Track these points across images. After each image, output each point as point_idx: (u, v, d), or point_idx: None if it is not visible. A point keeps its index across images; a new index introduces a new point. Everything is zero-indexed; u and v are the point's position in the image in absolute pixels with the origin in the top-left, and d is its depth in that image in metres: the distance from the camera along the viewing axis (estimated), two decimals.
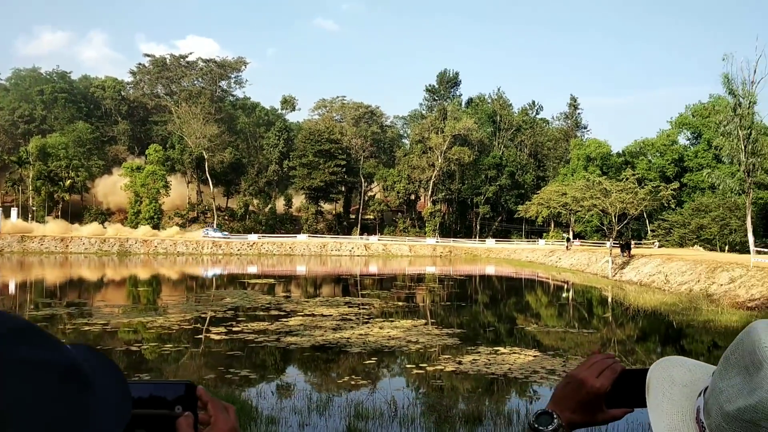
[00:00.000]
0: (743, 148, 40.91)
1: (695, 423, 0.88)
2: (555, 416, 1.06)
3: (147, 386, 0.92)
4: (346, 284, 34.30)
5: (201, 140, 79.81)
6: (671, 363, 1.02)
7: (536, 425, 1.05)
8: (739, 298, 24.18)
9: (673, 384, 0.97)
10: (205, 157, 79.88)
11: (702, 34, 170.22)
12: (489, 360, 12.98)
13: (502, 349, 14.32)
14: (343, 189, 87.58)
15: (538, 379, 11.52)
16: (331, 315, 19.49)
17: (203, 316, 19.69)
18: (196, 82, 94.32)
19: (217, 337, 15.45)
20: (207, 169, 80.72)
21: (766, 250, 34.07)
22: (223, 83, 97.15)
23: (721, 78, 37.61)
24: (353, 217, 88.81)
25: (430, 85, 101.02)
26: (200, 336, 15.93)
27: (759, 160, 42.25)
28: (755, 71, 36.35)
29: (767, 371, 0.79)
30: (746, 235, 37.18)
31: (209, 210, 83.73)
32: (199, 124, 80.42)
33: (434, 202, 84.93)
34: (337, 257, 60.21)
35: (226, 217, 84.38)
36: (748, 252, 32.20)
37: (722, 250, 49.53)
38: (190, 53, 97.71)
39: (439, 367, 12.19)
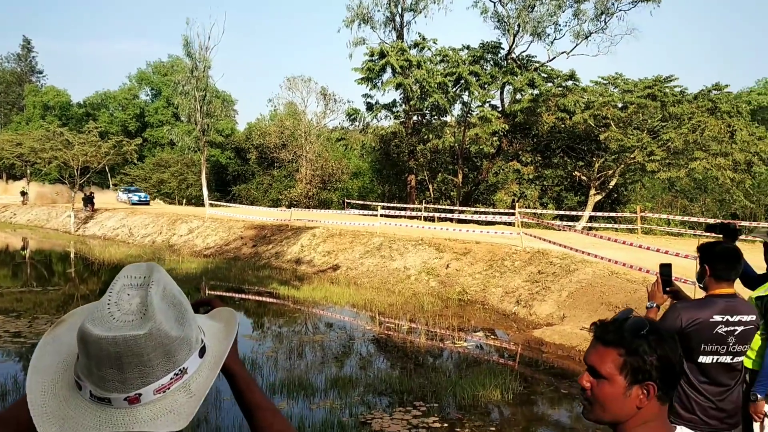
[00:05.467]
0: (199, 108, 44.27)
1: None
2: None
3: None
4: None
5: None
6: None
7: None
8: (197, 247, 26.55)
9: None
10: None
11: None
12: None
13: None
14: None
15: (1, 343, 10.69)
16: None
17: None
18: None
19: None
20: None
21: (218, 203, 37.93)
22: None
23: (181, 40, 39.63)
24: None
25: None
26: None
27: (212, 120, 46.37)
28: (209, 38, 39.46)
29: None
30: (201, 190, 40.62)
31: None
32: None
33: None
34: None
35: None
36: (204, 205, 35.29)
37: (180, 203, 52.98)
38: None
39: None
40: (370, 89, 36.41)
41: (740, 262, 3.54)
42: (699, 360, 3.43)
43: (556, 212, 29.68)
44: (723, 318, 3.38)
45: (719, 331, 3.38)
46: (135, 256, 24.57)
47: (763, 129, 50.74)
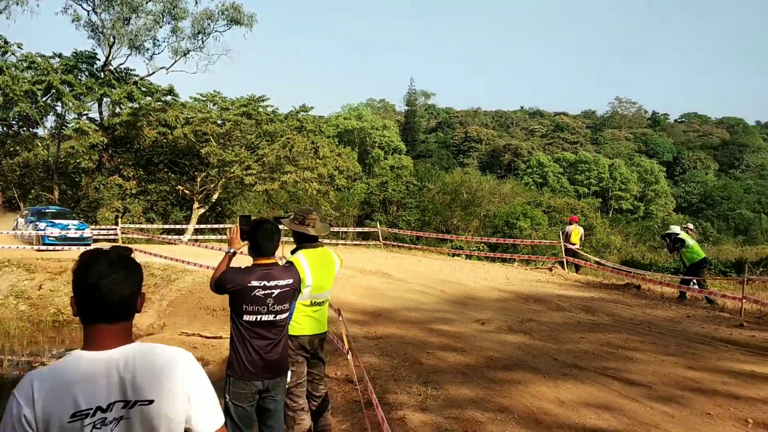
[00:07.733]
0: None
1: None
2: None
3: None
4: None
5: None
6: None
7: None
8: None
9: None
10: None
11: None
12: None
13: None
14: None
15: None
16: None
17: None
18: None
19: None
20: None
21: None
22: None
23: None
24: None
25: None
26: None
27: None
28: None
29: None
30: None
31: None
32: None
33: None
34: None
35: None
36: None
37: None
38: None
39: None
40: None
41: (275, 239, 4.36)
42: (244, 319, 4.11)
43: (162, 227, 29.70)
44: (260, 283, 4.13)
45: (257, 293, 4.10)
46: None
47: (349, 149, 57.90)
